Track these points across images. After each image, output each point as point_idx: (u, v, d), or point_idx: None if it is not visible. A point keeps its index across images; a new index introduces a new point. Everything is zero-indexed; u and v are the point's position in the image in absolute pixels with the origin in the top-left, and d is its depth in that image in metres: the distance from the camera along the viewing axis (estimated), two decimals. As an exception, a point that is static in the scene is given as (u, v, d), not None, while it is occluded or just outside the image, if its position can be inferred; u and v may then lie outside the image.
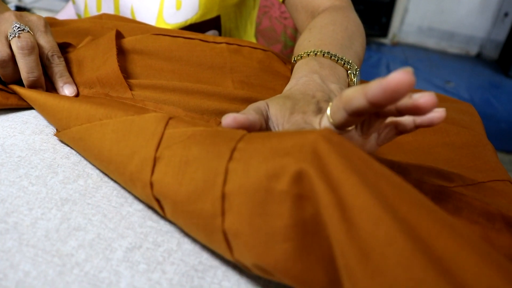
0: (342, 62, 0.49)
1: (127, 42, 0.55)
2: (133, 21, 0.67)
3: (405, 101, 0.29)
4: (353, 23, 0.61)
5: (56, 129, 0.45)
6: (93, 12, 0.82)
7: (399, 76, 0.25)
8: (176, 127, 0.33)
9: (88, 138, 0.38)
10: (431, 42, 3.47)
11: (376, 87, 0.27)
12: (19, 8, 1.75)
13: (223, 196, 0.28)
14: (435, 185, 0.38)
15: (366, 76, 2.86)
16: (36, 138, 0.44)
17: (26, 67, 0.47)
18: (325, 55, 0.49)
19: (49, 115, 0.44)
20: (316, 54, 0.49)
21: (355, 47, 0.55)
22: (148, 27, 0.64)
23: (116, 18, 0.67)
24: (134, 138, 0.34)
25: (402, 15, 3.38)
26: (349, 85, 0.49)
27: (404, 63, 3.15)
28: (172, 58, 0.55)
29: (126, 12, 0.79)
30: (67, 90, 0.49)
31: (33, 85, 0.48)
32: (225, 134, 0.31)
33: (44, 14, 1.78)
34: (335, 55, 0.49)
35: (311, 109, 0.37)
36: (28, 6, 1.79)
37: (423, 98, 0.29)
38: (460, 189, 0.39)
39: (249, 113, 0.37)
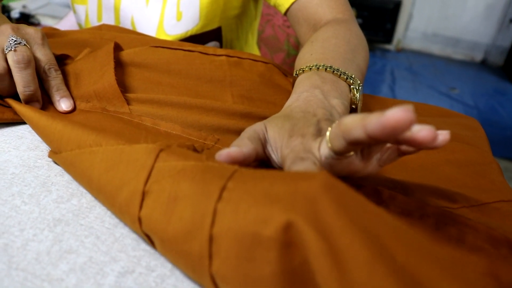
0: (345, 77, 0.48)
1: (126, 54, 0.54)
2: (133, 32, 0.66)
3: (403, 134, 0.29)
4: (356, 37, 0.60)
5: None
6: (93, 21, 0.82)
7: (399, 114, 0.25)
8: (166, 161, 0.32)
9: (78, 165, 0.37)
10: (435, 48, 3.45)
11: (376, 122, 0.26)
12: (23, 15, 1.75)
13: (211, 238, 0.27)
14: (438, 207, 0.37)
15: (370, 82, 2.85)
16: (31, 154, 0.44)
17: (22, 81, 0.47)
18: (327, 69, 0.48)
19: (42, 135, 0.43)
20: (318, 68, 0.48)
21: (357, 61, 0.54)
22: (148, 38, 0.63)
23: (116, 29, 0.66)
24: (123, 169, 0.33)
25: (407, 21, 3.38)
26: (351, 101, 0.48)
27: (408, 69, 3.14)
28: (171, 71, 0.54)
29: (127, 23, 0.78)
30: (64, 104, 0.49)
31: (30, 99, 0.48)
32: (216, 170, 0.30)
33: (48, 21, 1.79)
34: (337, 70, 0.48)
35: (310, 132, 0.36)
36: (33, 12, 1.79)
37: (422, 132, 0.28)
38: (464, 210, 0.38)
39: (244, 144, 0.36)
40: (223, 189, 0.28)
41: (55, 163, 0.43)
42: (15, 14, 1.75)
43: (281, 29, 1.17)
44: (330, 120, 0.39)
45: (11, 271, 0.31)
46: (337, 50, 0.54)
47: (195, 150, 0.39)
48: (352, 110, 0.49)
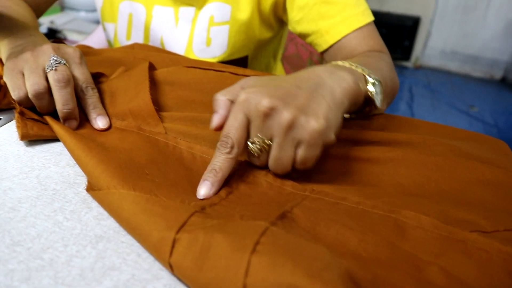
0: (361, 69, 0.49)
1: (159, 73, 0.56)
2: (165, 52, 0.68)
3: None
4: (385, 64, 0.62)
5: None
6: (122, 39, 0.84)
7: None
8: (200, 218, 0.34)
9: (108, 204, 0.38)
10: (454, 66, 3.44)
11: None
12: (51, 30, 1.80)
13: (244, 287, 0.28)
14: (474, 231, 0.37)
15: (388, 99, 2.84)
16: (70, 170, 0.45)
17: (61, 100, 0.48)
18: (344, 62, 0.49)
19: (77, 162, 0.44)
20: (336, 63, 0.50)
21: (382, 73, 0.56)
22: (179, 58, 0.65)
23: (148, 48, 0.68)
24: (154, 217, 0.34)
25: (425, 39, 3.38)
26: (366, 92, 0.49)
27: (426, 87, 3.13)
28: (203, 90, 0.56)
29: (156, 42, 0.80)
30: (100, 122, 0.50)
31: (68, 117, 0.49)
32: (249, 226, 0.32)
33: (75, 36, 1.84)
34: (353, 63, 0.49)
35: None
36: (60, 28, 1.84)
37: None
38: (501, 234, 0.38)
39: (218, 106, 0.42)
40: (256, 243, 0.30)
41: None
42: (43, 29, 1.80)
43: (304, 47, 1.18)
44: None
45: (58, 286, 0.32)
46: (361, 61, 0.55)
47: (228, 190, 0.41)
48: (368, 101, 0.50)
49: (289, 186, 0.42)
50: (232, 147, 0.40)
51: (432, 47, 3.43)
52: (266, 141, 0.41)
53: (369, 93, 0.49)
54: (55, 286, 0.32)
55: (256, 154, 0.42)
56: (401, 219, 0.38)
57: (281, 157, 0.40)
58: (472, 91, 3.15)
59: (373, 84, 0.49)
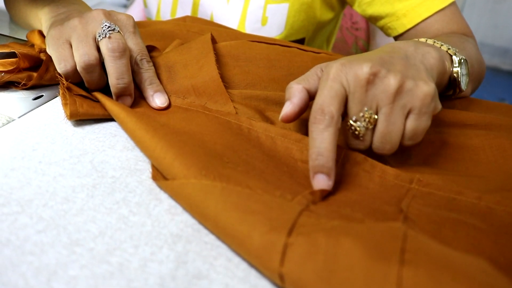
0: (446, 48, 0.42)
1: (222, 47, 0.48)
2: (221, 26, 0.61)
3: None
4: (470, 45, 0.54)
5: None
6: (166, 16, 0.77)
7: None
8: (311, 218, 0.27)
9: (187, 197, 0.31)
10: (484, 58, 3.32)
11: None
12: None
13: None
14: None
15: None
16: (130, 155, 0.38)
17: (116, 72, 0.41)
18: (427, 40, 0.43)
19: (139, 145, 0.37)
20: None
21: (467, 53, 0.49)
22: (237, 33, 0.58)
23: (201, 21, 0.61)
24: (252, 214, 0.27)
25: (454, 30, 3.26)
26: (451, 72, 0.42)
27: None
28: (271, 67, 0.48)
29: (205, 18, 0.73)
30: (158, 99, 0.43)
31: (122, 93, 0.42)
32: (380, 229, 0.26)
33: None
34: (436, 42, 0.43)
35: None
36: (83, 11, 1.77)
37: None
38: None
39: (291, 94, 0.37)
40: (403, 250, 0.23)
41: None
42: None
43: (349, 31, 1.10)
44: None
45: (134, 300, 0.25)
46: (446, 40, 0.48)
47: None
48: (452, 83, 0.44)
49: (392, 175, 0.35)
50: (332, 117, 0.32)
51: (461, 39, 3.31)
52: (373, 115, 0.33)
53: (455, 74, 0.43)
54: (130, 299, 0.25)
55: (361, 134, 0.34)
56: None
57: (390, 131, 0.33)
58: (502, 85, 3.04)
59: (459, 63, 0.42)
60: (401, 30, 0.62)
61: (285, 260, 0.24)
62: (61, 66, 0.43)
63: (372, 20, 0.66)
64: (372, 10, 0.64)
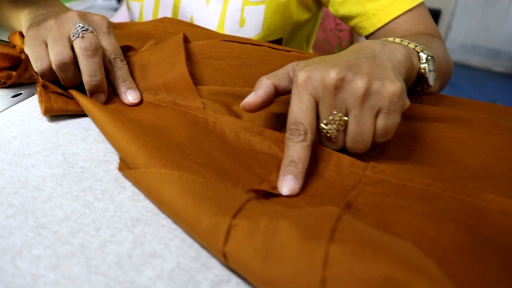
0: (414, 45, 0.44)
1: (195, 46, 0.51)
2: (197, 26, 0.63)
3: None
4: (436, 44, 0.56)
5: None
6: (148, 18, 0.79)
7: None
8: (258, 204, 0.29)
9: (145, 184, 0.33)
10: (475, 60, 3.35)
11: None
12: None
13: (323, 282, 0.23)
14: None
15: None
16: (100, 147, 0.40)
17: (88, 70, 0.43)
18: (395, 39, 0.45)
19: (107, 138, 0.39)
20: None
21: (433, 51, 0.51)
22: (213, 33, 0.60)
23: (179, 22, 0.63)
24: (202, 200, 0.29)
25: (445, 32, 3.29)
26: (419, 68, 0.45)
27: (447, 81, 3.05)
28: (242, 65, 0.51)
29: (185, 20, 0.75)
30: (130, 96, 0.45)
31: (95, 90, 0.44)
32: (318, 213, 0.27)
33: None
34: (404, 40, 0.45)
35: None
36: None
37: None
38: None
39: (259, 86, 0.39)
40: (333, 230, 0.25)
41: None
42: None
43: (332, 32, 1.13)
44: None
45: (91, 276, 0.27)
46: (413, 39, 0.50)
47: None
48: (420, 79, 0.46)
49: (347, 164, 0.37)
50: (305, 133, 0.34)
51: (453, 41, 3.34)
52: (343, 117, 0.35)
53: (422, 70, 0.45)
54: (87, 276, 0.27)
55: (333, 136, 0.36)
56: (480, 203, 0.33)
57: (361, 131, 0.35)
58: (493, 86, 3.06)
59: (426, 59, 0.44)
60: (371, 30, 0.64)
61: (229, 240, 0.26)
62: (37, 65, 0.45)
63: (344, 20, 0.69)
64: (344, 10, 0.66)
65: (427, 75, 0.45)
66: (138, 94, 0.46)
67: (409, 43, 0.44)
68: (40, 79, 0.44)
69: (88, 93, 0.45)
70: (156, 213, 0.33)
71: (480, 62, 3.34)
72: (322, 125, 0.36)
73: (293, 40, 0.80)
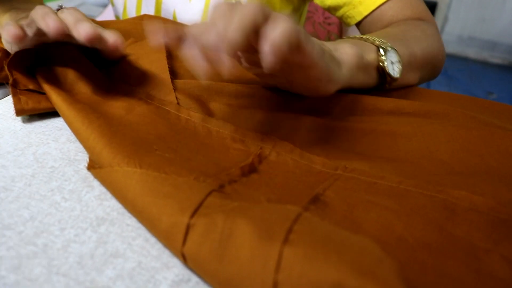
0: (372, 40, 0.45)
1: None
2: (176, 23, 0.63)
3: None
4: (420, 30, 0.55)
5: None
6: (132, 14, 0.79)
7: None
8: (217, 198, 0.29)
9: (110, 183, 0.33)
10: (471, 52, 3.34)
11: None
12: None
13: (275, 285, 0.23)
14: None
15: (404, 86, 2.77)
16: (71, 146, 0.40)
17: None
18: (356, 37, 0.46)
19: (76, 136, 0.39)
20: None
21: (408, 43, 0.51)
22: (192, 28, 0.60)
23: (158, 19, 0.63)
24: (163, 198, 0.29)
25: (442, 24, 3.28)
26: (379, 60, 0.45)
27: (443, 74, 3.05)
28: (218, 61, 0.50)
29: (168, 16, 0.75)
30: (82, 28, 0.39)
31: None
32: (278, 211, 0.27)
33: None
34: (366, 37, 0.45)
35: None
36: (66, 11, 1.79)
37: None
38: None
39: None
40: (289, 231, 0.25)
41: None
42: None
43: (321, 26, 1.12)
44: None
45: (52, 276, 0.27)
46: (384, 33, 0.50)
47: (251, 166, 0.36)
48: (381, 73, 0.46)
49: (319, 164, 0.37)
50: None
51: (449, 33, 3.33)
52: None
53: (380, 62, 0.45)
54: (48, 276, 0.27)
55: None
56: (450, 200, 0.33)
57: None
58: (490, 78, 3.05)
59: (384, 51, 0.45)
60: (358, 18, 0.64)
61: (187, 240, 0.26)
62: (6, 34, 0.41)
63: (331, 11, 0.68)
64: (331, 1, 0.66)
65: (384, 66, 0.45)
66: (92, 25, 0.40)
67: (367, 39, 0.45)
68: (10, 77, 0.44)
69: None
70: (121, 212, 0.33)
71: (476, 54, 3.33)
72: None
73: None
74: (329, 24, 1.12)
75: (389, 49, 0.44)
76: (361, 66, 0.41)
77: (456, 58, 3.33)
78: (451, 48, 3.37)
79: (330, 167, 0.36)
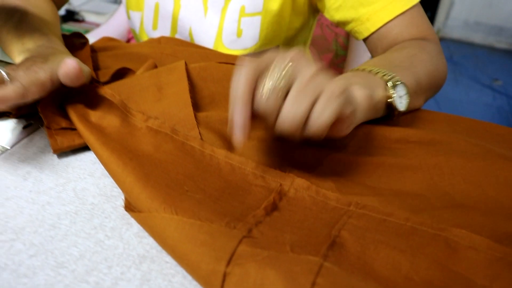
0: (382, 74, 0.48)
1: (192, 69, 0.54)
2: (192, 46, 0.66)
3: None
4: (426, 52, 0.58)
5: None
6: (148, 29, 0.82)
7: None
8: (249, 246, 0.33)
9: (150, 227, 0.37)
10: (477, 37, 3.33)
11: None
12: (68, 12, 1.78)
13: None
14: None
15: (409, 74, 2.77)
16: (106, 181, 0.44)
17: None
18: (364, 70, 0.49)
19: (112, 177, 0.43)
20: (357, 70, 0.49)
21: (414, 69, 0.54)
22: (208, 52, 0.63)
23: (175, 42, 0.66)
24: (200, 245, 0.33)
25: (448, 9, 3.26)
26: (387, 96, 0.48)
27: (449, 60, 3.05)
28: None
29: (184, 33, 0.78)
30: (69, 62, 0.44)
31: None
32: (302, 263, 0.31)
33: (92, 17, 1.82)
34: (374, 70, 0.48)
35: None
36: (77, 9, 1.81)
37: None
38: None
39: None
40: (313, 284, 0.29)
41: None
42: (60, 11, 1.78)
43: (329, 28, 1.15)
44: None
45: (105, 314, 0.32)
46: (392, 59, 0.53)
47: (273, 205, 0.40)
48: (389, 106, 0.49)
49: (333, 200, 0.40)
50: None
51: (455, 18, 3.31)
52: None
53: (389, 99, 0.48)
54: (102, 313, 0.32)
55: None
56: (452, 238, 0.36)
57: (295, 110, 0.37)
58: (496, 64, 3.05)
59: (393, 87, 0.48)
60: (366, 34, 0.67)
61: (224, 287, 0.31)
62: None
63: (340, 25, 0.72)
64: (339, 16, 0.69)
65: (394, 103, 0.48)
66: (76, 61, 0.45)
67: (377, 73, 0.48)
68: (44, 120, 0.47)
69: None
70: (160, 250, 0.37)
71: (482, 39, 3.32)
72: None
73: (292, 46, 0.83)
74: (337, 26, 1.14)
75: (398, 83, 0.47)
76: (372, 106, 0.45)
77: (462, 44, 3.33)
78: (456, 33, 3.37)
79: (344, 203, 0.40)
